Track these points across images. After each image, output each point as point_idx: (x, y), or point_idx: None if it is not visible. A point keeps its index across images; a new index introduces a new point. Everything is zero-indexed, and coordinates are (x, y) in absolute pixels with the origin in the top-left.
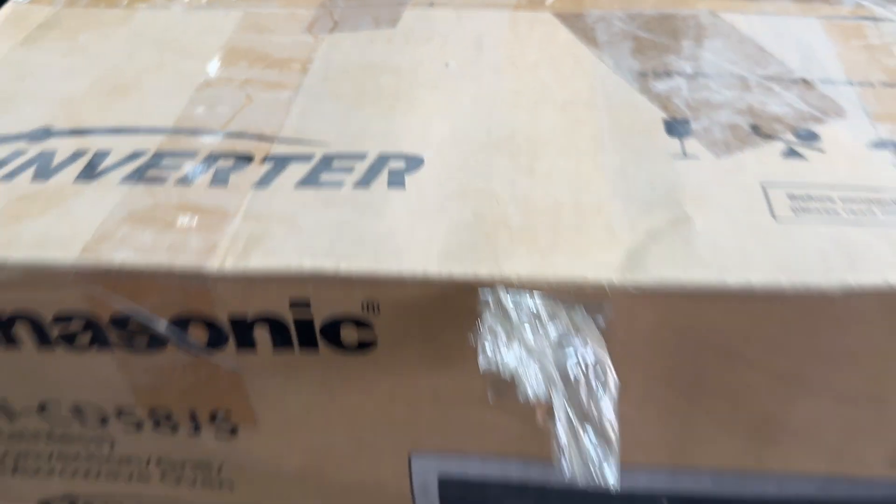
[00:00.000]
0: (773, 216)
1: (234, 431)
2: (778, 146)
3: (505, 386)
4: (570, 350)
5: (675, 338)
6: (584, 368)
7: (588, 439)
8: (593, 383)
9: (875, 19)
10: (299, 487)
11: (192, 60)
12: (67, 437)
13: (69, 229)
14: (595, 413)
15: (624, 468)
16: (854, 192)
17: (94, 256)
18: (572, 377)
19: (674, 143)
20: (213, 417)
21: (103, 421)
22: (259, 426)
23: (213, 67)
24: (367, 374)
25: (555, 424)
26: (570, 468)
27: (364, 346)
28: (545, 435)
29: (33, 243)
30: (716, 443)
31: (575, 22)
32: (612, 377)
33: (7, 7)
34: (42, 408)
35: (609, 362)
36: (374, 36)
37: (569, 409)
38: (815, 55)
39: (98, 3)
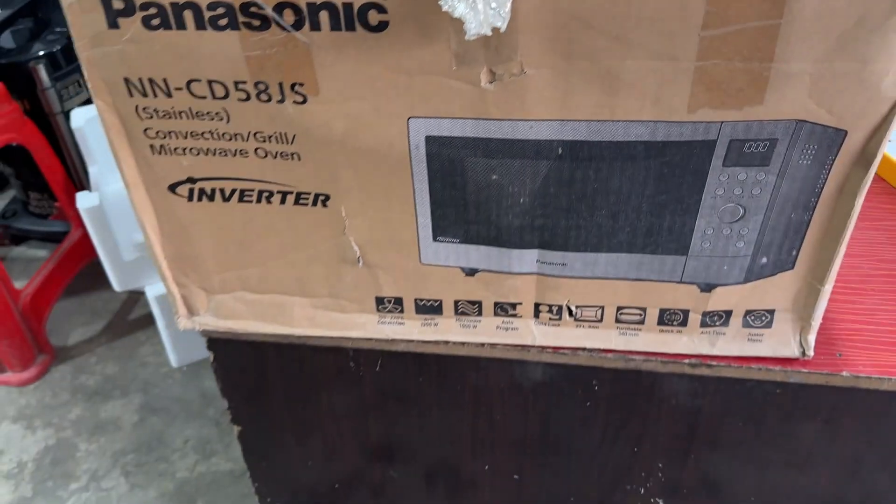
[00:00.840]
0: None
1: (304, 100)
2: None
3: (463, 53)
4: None
5: (553, 15)
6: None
7: (491, 10)
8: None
9: None
10: (340, 153)
11: None
12: (200, 113)
13: None
14: (496, 3)
15: (531, 121)
16: None
17: None
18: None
19: None
20: (292, 87)
21: (226, 96)
22: (320, 95)
23: None
24: (382, 51)
25: (474, 14)
26: (476, 27)
27: (382, 26)
28: (488, 98)
29: None
30: (584, 97)
31: None
32: (508, 1)
33: None
34: (188, 84)
35: (509, 3)
36: None
37: (482, 4)
38: None
39: None
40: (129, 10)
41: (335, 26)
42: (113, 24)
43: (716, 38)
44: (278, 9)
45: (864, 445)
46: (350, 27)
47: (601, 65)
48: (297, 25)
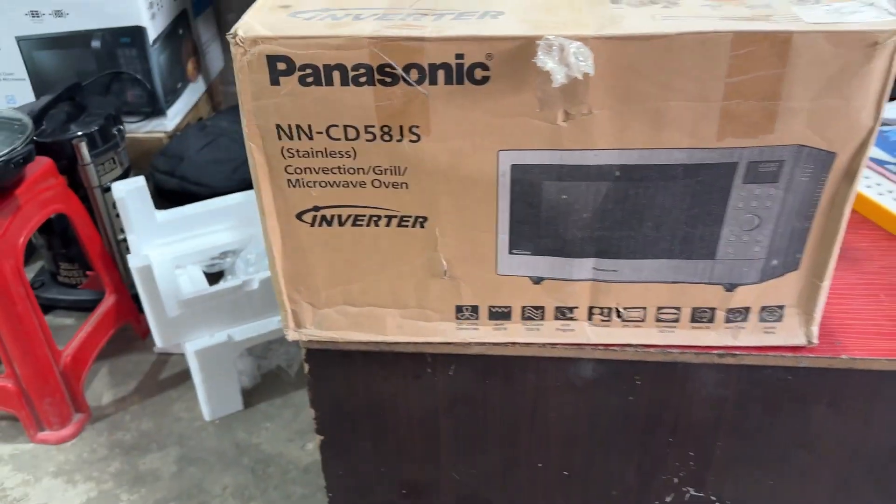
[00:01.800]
0: (654, 22)
1: (418, 139)
2: (658, 5)
3: (546, 98)
4: (574, 44)
5: (615, 69)
6: (579, 51)
7: (577, 63)
8: (581, 54)
9: None
10: (441, 181)
11: None
12: (333, 152)
13: (360, 31)
14: (583, 59)
15: (596, 150)
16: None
17: (376, 32)
18: (573, 55)
19: (615, 6)
20: (410, 129)
21: (356, 137)
22: (431, 135)
23: None
24: (482, 100)
25: (562, 66)
26: (562, 77)
27: (484, 80)
28: (563, 133)
29: (347, 30)
30: (637, 130)
31: None
32: (590, 55)
33: None
34: (328, 129)
35: (590, 55)
36: None
37: (573, 59)
38: None
39: None
40: (289, 71)
41: (448, 81)
42: (275, 82)
43: (737, 83)
44: (406, 69)
45: (863, 424)
46: (460, 81)
47: (650, 105)
48: (419, 81)
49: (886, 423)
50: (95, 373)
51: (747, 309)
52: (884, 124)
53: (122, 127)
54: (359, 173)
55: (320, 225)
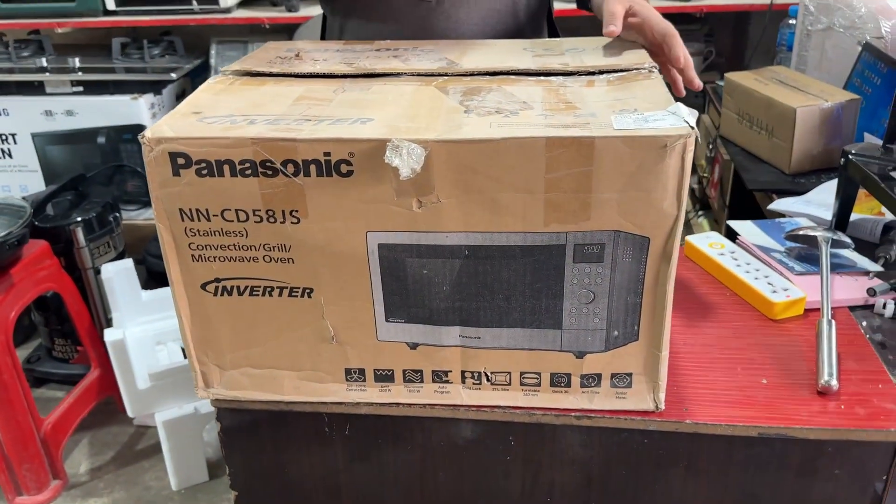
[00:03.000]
0: (489, 128)
1: (298, 221)
2: (501, 114)
3: (400, 189)
4: (410, 145)
5: (456, 165)
6: (412, 151)
7: (413, 160)
8: (414, 153)
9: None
10: (321, 257)
11: (284, 99)
12: (228, 232)
13: (246, 133)
14: (415, 157)
15: (447, 233)
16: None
17: (258, 134)
18: (409, 154)
19: (466, 115)
20: (291, 212)
21: (246, 219)
22: (309, 218)
23: (296, 101)
24: (349, 189)
25: (404, 163)
26: (407, 173)
27: (349, 173)
28: (418, 218)
29: (236, 133)
30: (479, 216)
31: (442, 87)
32: (423, 154)
33: (213, 77)
34: (222, 212)
35: (423, 154)
36: (360, 93)
37: (408, 157)
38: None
39: (250, 82)
40: (187, 164)
41: (320, 174)
42: (176, 173)
43: (555, 178)
44: (284, 163)
45: (721, 488)
46: (329, 174)
47: (487, 196)
48: (296, 173)
49: (741, 486)
50: (77, 442)
51: (599, 375)
52: (783, 215)
53: (118, 214)
54: (251, 250)
55: (222, 295)
